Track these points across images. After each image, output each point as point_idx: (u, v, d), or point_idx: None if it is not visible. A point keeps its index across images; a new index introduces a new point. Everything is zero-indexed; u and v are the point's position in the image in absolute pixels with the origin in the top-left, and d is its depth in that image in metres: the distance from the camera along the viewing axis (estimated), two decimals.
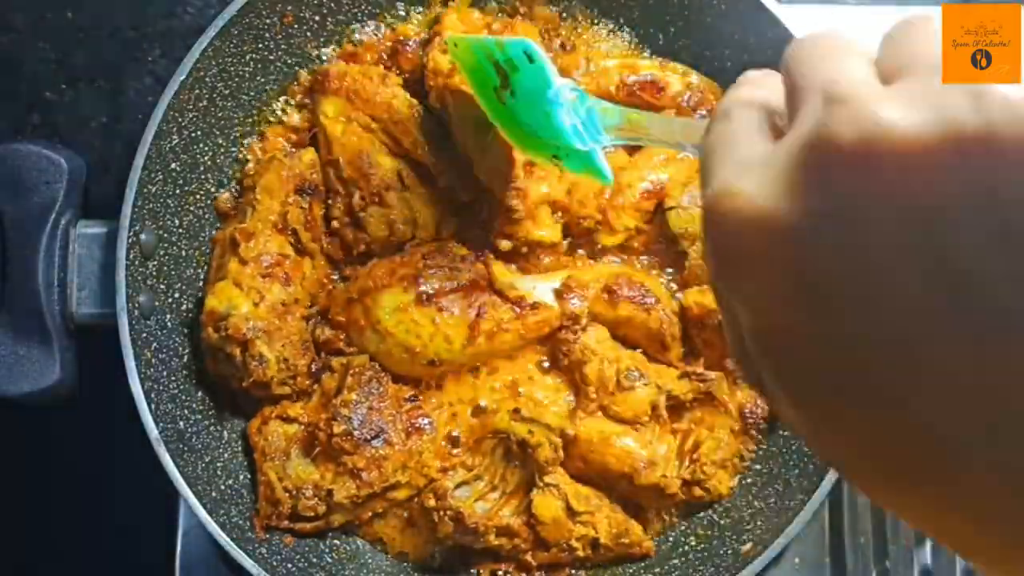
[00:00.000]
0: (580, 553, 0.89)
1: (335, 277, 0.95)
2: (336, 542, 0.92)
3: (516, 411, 0.88)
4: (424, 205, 0.91)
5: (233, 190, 0.95)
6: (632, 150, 0.97)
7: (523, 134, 0.84)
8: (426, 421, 0.90)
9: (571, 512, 0.88)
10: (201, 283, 0.93)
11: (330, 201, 0.92)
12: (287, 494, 0.87)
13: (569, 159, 0.82)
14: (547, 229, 0.93)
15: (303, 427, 0.89)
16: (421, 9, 0.97)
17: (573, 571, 0.91)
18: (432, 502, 0.88)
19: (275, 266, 0.89)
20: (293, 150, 0.94)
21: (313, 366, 0.91)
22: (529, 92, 0.79)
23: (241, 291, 0.87)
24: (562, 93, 0.76)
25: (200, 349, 0.90)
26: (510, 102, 0.81)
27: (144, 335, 0.86)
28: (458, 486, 0.88)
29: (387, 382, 0.90)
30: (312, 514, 0.87)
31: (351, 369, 0.89)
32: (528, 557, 0.89)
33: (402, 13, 0.97)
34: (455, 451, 0.92)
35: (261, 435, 0.90)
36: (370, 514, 0.91)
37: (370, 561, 0.92)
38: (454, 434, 0.92)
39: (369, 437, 0.87)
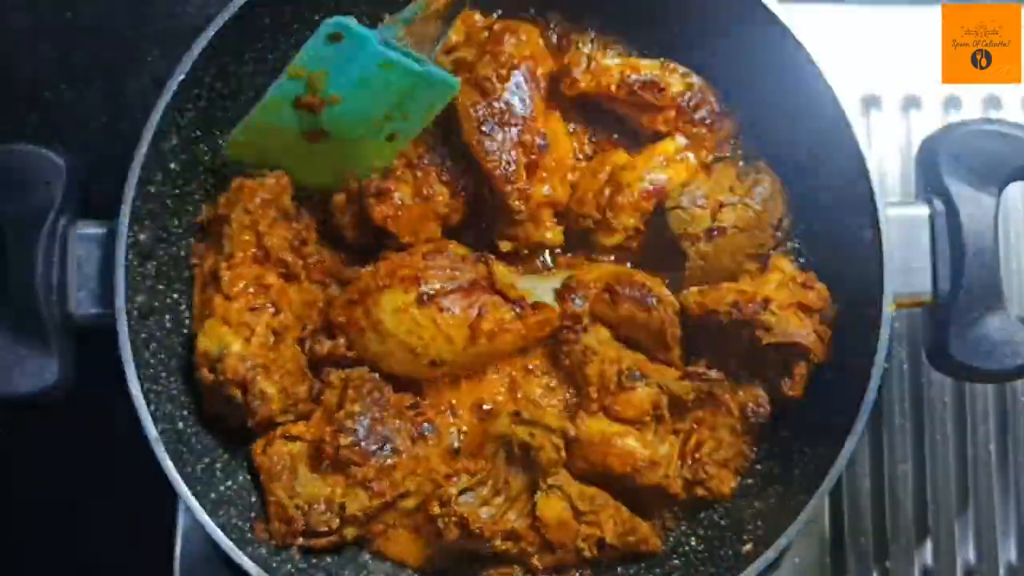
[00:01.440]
0: (587, 554, 0.88)
1: (333, 285, 0.94)
2: None
3: (516, 414, 0.88)
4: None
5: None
6: (632, 150, 0.97)
7: (353, 153, 0.90)
8: (430, 427, 0.90)
9: (576, 513, 0.87)
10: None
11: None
12: (299, 511, 0.87)
13: (408, 120, 0.88)
14: (550, 231, 0.94)
15: (308, 444, 0.89)
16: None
17: (579, 571, 0.91)
18: (437, 509, 0.87)
19: (261, 297, 0.88)
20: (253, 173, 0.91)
21: (313, 390, 0.90)
22: (354, 77, 0.84)
23: (230, 328, 0.86)
24: (385, 32, 0.83)
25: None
26: (330, 126, 0.87)
27: (143, 335, 0.86)
28: (462, 492, 0.87)
29: (388, 391, 0.89)
30: (326, 528, 0.87)
31: (351, 382, 0.89)
32: (535, 560, 0.88)
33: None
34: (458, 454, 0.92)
35: (266, 456, 0.89)
36: (382, 527, 0.90)
37: (371, 563, 0.92)
38: (455, 445, 0.92)
39: (376, 447, 0.87)
